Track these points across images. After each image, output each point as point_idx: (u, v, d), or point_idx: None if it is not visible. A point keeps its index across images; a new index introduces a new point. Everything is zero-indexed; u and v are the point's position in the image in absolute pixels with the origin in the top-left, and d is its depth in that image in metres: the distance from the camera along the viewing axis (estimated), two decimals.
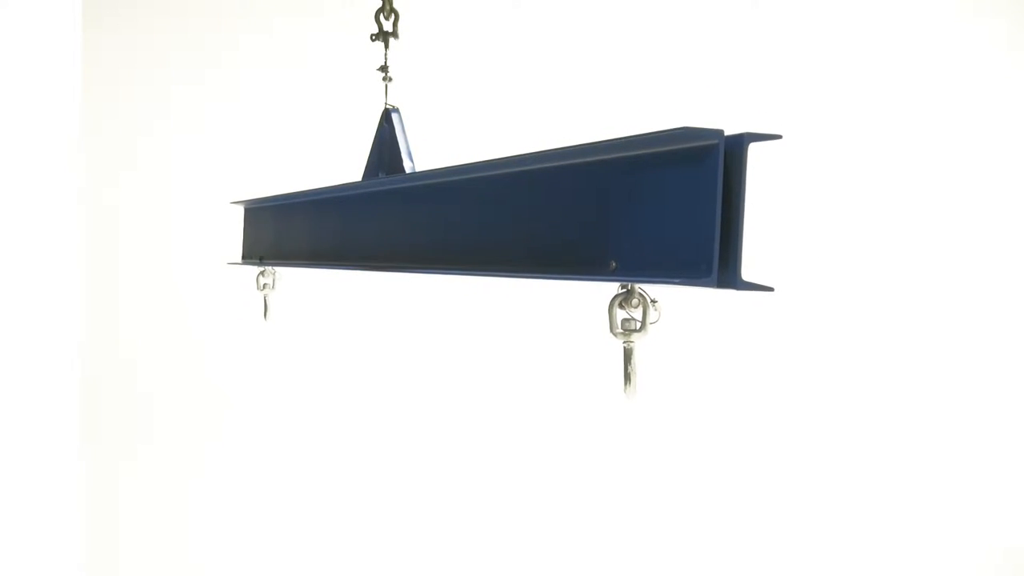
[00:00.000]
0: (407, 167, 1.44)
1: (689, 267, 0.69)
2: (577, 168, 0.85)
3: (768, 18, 2.80)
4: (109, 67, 2.54)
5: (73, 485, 2.32)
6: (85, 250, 2.49)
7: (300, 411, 2.71)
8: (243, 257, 1.85)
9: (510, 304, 2.70)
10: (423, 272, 1.15)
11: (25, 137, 2.01)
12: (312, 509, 2.70)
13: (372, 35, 1.50)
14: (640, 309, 0.78)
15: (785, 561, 2.82)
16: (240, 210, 1.89)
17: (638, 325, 0.78)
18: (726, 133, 0.68)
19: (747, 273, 0.68)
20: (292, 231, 1.60)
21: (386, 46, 1.52)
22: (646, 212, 0.75)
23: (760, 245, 2.66)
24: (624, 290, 0.78)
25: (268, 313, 1.79)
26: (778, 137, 0.67)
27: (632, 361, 0.80)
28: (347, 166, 1.76)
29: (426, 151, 1.51)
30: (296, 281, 2.18)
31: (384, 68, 1.53)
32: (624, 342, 0.80)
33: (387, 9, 1.50)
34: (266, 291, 1.78)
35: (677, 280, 0.69)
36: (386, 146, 1.48)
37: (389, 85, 1.53)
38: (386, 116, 1.50)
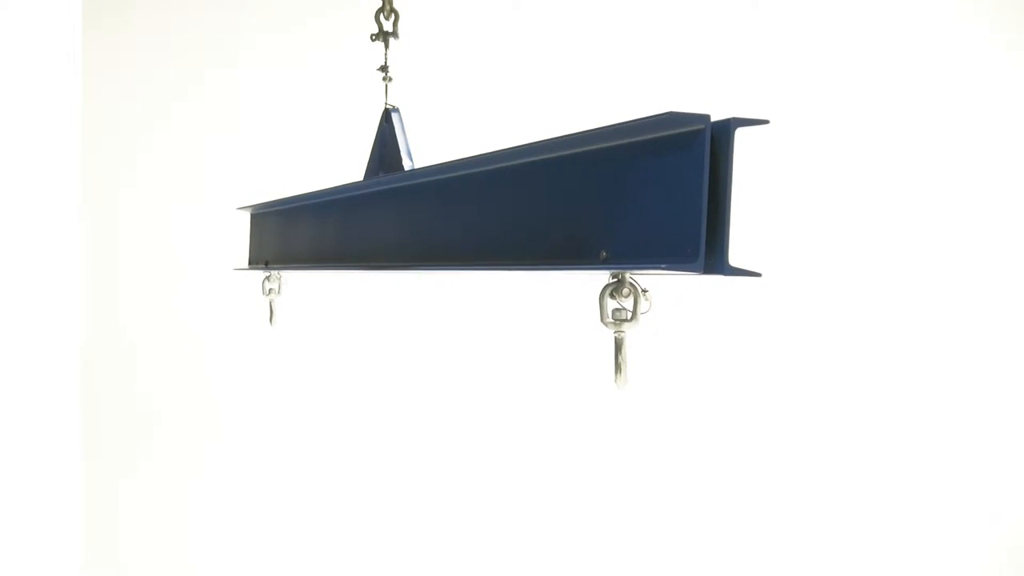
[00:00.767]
0: (406, 167, 1.44)
1: (676, 253, 0.69)
2: (566, 159, 0.85)
3: (768, 18, 2.79)
4: (109, 67, 2.54)
5: (73, 486, 2.32)
6: (86, 251, 2.49)
7: (303, 415, 2.71)
8: (249, 262, 1.84)
9: (505, 298, 2.70)
10: (417, 270, 1.15)
11: (25, 138, 2.01)
12: (312, 511, 2.70)
13: (372, 35, 1.50)
14: (631, 299, 0.78)
15: (784, 560, 2.82)
16: (242, 213, 1.89)
17: (629, 315, 0.78)
18: (712, 119, 0.68)
19: (735, 259, 0.68)
20: (296, 235, 1.61)
21: (386, 46, 1.51)
22: (635, 200, 0.75)
23: (750, 231, 2.66)
24: (615, 280, 0.78)
25: (274, 318, 1.78)
26: (765, 122, 0.67)
27: (623, 351, 0.80)
28: (348, 166, 1.75)
29: (426, 151, 1.51)
30: (302, 285, 2.18)
31: (384, 68, 1.53)
32: (615, 332, 0.79)
33: (387, 9, 1.49)
34: (271, 296, 1.77)
35: (664, 266, 0.69)
36: (387, 146, 1.48)
37: (389, 85, 1.52)
38: (386, 116, 1.50)
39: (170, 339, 2.62)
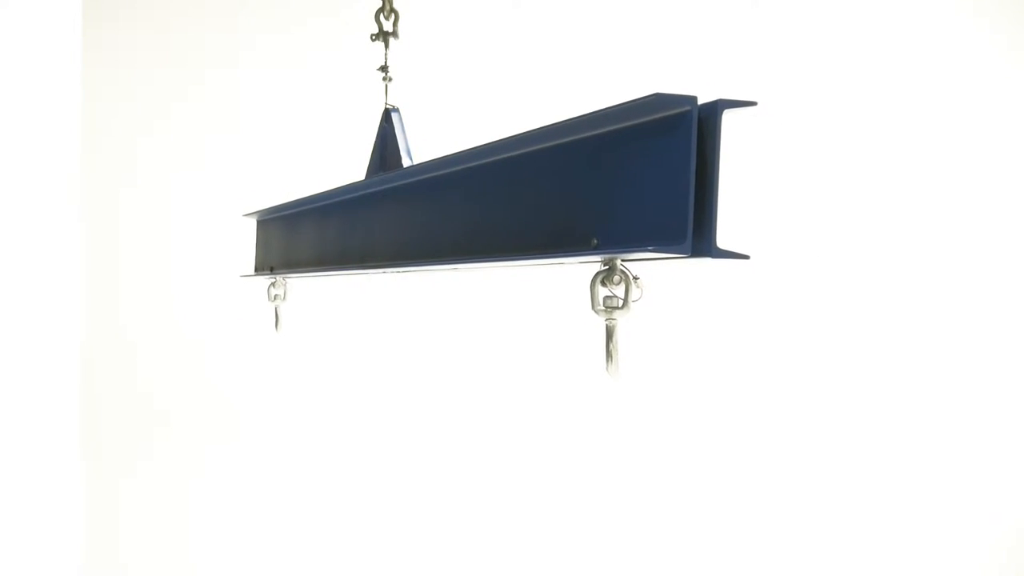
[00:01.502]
0: (406, 167, 1.44)
1: (663, 236, 0.69)
2: (555, 149, 0.85)
3: (768, 17, 2.80)
4: (109, 67, 2.54)
5: (73, 486, 2.32)
6: (85, 251, 2.49)
7: (303, 416, 2.71)
8: (256, 268, 1.84)
9: (503, 290, 2.70)
10: (412, 268, 1.15)
11: (25, 138, 2.01)
12: (313, 512, 2.70)
13: (372, 35, 1.50)
14: (622, 286, 0.78)
15: (782, 560, 2.82)
16: (244, 216, 1.89)
17: (620, 303, 0.78)
18: (700, 101, 0.68)
19: (723, 241, 0.68)
20: (299, 239, 1.61)
21: (386, 46, 1.51)
22: (624, 186, 0.75)
23: (741, 215, 2.66)
24: (606, 267, 0.78)
25: (280, 324, 1.78)
26: (753, 104, 0.67)
27: (614, 339, 0.80)
28: (348, 167, 1.75)
29: (427, 151, 1.51)
30: (307, 289, 2.18)
31: (384, 68, 1.53)
32: (606, 320, 0.79)
33: (387, 9, 1.49)
34: (277, 302, 1.76)
35: (651, 248, 0.69)
36: (387, 146, 1.49)
37: (389, 85, 1.52)
38: (386, 116, 1.50)
39: (170, 339, 2.62)
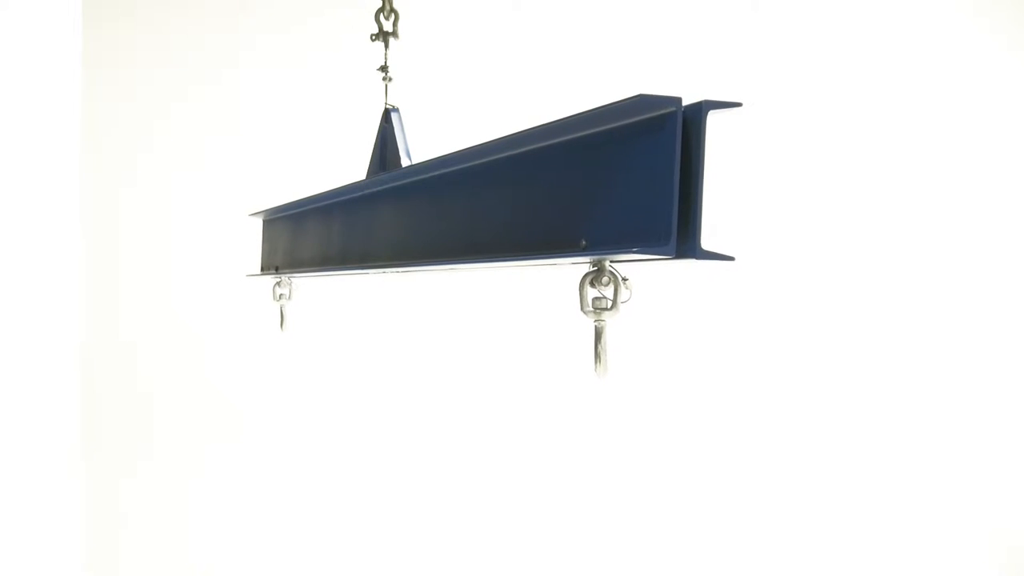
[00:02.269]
0: (403, 167, 1.45)
1: (648, 237, 0.69)
2: (545, 150, 0.85)
3: (769, 18, 2.80)
4: (109, 67, 2.54)
5: (73, 486, 2.32)
6: (85, 251, 2.49)
7: (303, 416, 2.71)
8: (261, 268, 1.85)
9: (498, 290, 2.70)
10: (409, 268, 1.16)
11: (25, 138, 2.01)
12: (313, 511, 2.70)
13: (372, 35, 1.50)
14: (611, 287, 0.78)
15: (781, 560, 2.82)
16: (244, 216, 1.89)
17: (609, 304, 0.78)
18: (684, 102, 0.68)
19: (708, 243, 0.68)
20: (302, 239, 1.61)
21: (386, 46, 1.51)
22: (612, 187, 0.75)
23: (732, 217, 2.65)
24: (594, 268, 0.78)
25: (285, 324, 1.78)
26: (738, 105, 0.66)
27: (602, 340, 0.80)
28: (348, 167, 1.75)
29: (427, 151, 1.51)
30: (309, 289, 2.18)
31: (384, 68, 1.53)
32: (595, 321, 0.79)
33: (387, 9, 1.49)
34: (282, 301, 1.76)
35: (636, 250, 0.69)
36: (388, 146, 1.49)
37: (389, 85, 1.52)
38: (386, 116, 1.50)
39: (170, 339, 2.62)
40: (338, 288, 2.60)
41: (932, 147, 2.85)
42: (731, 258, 0.67)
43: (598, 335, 0.80)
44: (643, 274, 0.82)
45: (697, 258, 0.68)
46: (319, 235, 1.52)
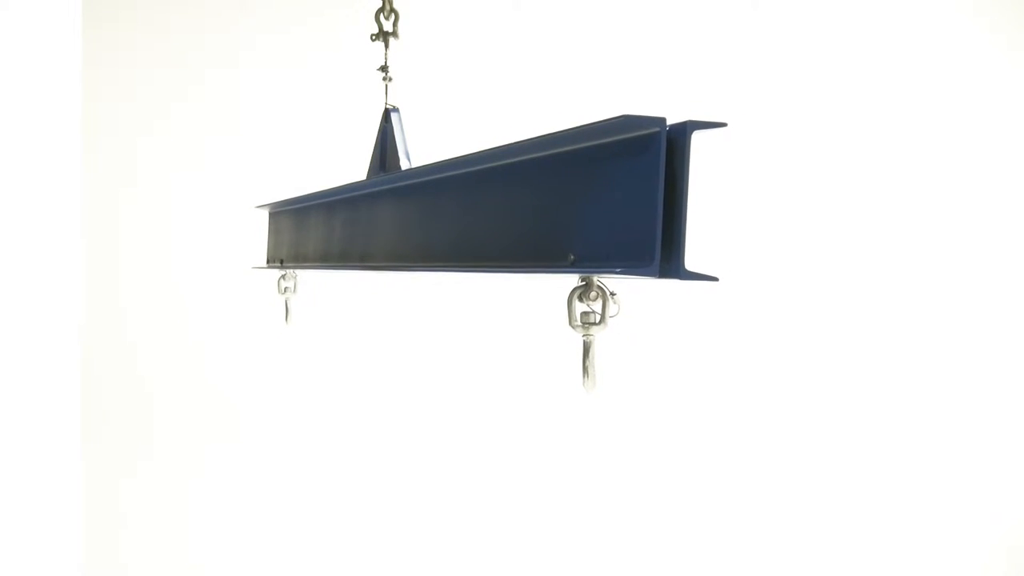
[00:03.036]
0: (404, 167, 1.45)
1: (632, 257, 0.69)
2: (535, 162, 0.86)
3: (768, 18, 2.79)
4: (109, 67, 2.54)
5: (73, 486, 2.32)
6: (86, 251, 2.49)
7: (302, 415, 2.71)
8: (267, 260, 1.86)
9: (491, 297, 2.70)
10: (406, 271, 1.16)
11: (25, 138, 2.01)
12: (313, 511, 2.70)
13: (372, 35, 1.50)
14: (599, 302, 0.77)
15: (781, 561, 2.82)
16: (245, 214, 1.89)
17: (597, 318, 0.78)
18: (669, 122, 0.68)
19: (692, 263, 0.68)
20: (306, 233, 1.62)
21: (386, 46, 1.52)
22: (599, 204, 0.75)
23: (721, 236, 2.65)
24: (583, 283, 0.78)
25: (289, 317, 1.79)
26: (723, 125, 0.66)
27: (591, 355, 0.80)
28: (348, 167, 1.75)
29: (427, 151, 1.51)
30: (312, 284, 2.18)
31: (384, 68, 1.53)
32: (583, 335, 0.79)
33: (387, 9, 1.49)
34: (287, 295, 1.77)
35: (619, 270, 0.69)
36: (388, 146, 1.49)
37: (389, 85, 1.52)
38: (386, 116, 1.50)
39: (169, 339, 2.62)
40: (340, 283, 2.60)
41: (932, 148, 2.85)
42: (715, 279, 0.66)
43: (586, 350, 0.79)
44: (632, 288, 0.82)
45: (681, 279, 0.67)
46: (322, 231, 1.53)
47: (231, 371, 2.67)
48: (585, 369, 0.80)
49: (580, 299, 0.78)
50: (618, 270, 0.69)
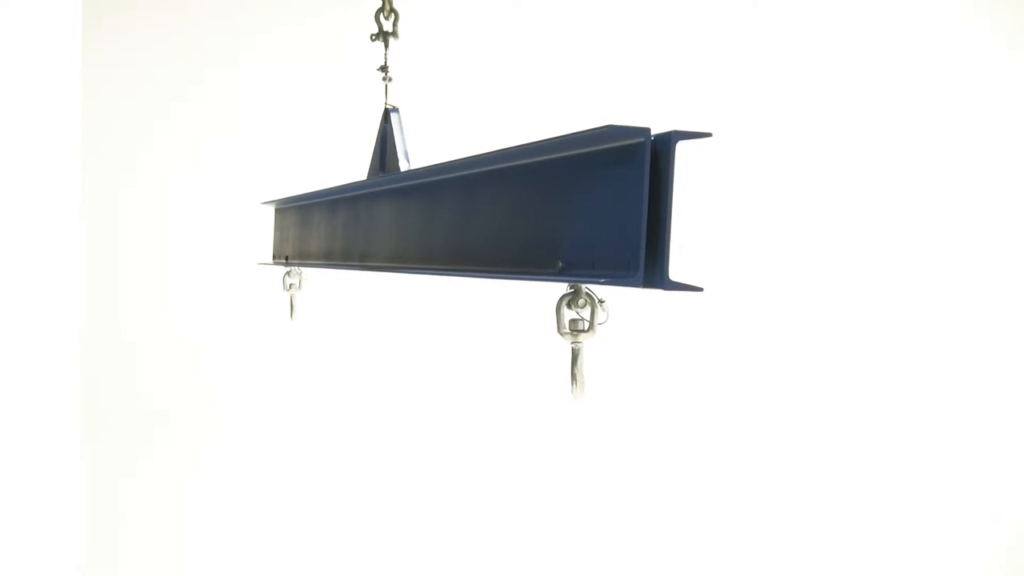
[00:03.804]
0: (403, 168, 1.45)
1: (616, 266, 0.69)
2: (525, 169, 0.86)
3: (768, 18, 2.79)
4: (109, 67, 2.54)
5: (73, 486, 2.32)
6: (86, 251, 2.49)
7: (301, 415, 2.71)
8: (273, 257, 1.87)
9: (485, 301, 2.70)
10: (397, 271, 1.17)
11: (25, 138, 2.01)
12: (312, 511, 2.70)
13: (372, 35, 1.50)
14: (588, 309, 0.77)
15: (781, 561, 2.82)
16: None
17: (586, 325, 0.77)
18: (654, 132, 0.67)
19: (677, 273, 0.68)
20: (310, 231, 1.63)
21: (386, 46, 1.52)
22: (586, 212, 0.75)
23: (708, 247, 2.65)
24: (571, 290, 0.78)
25: (294, 313, 1.80)
26: (708, 135, 0.66)
27: (579, 362, 0.79)
28: (348, 167, 1.75)
29: (427, 151, 1.51)
30: (316, 281, 2.19)
31: (384, 68, 1.53)
32: (572, 343, 0.79)
33: (387, 9, 1.49)
34: (292, 291, 1.78)
35: (603, 280, 0.69)
36: (388, 146, 1.49)
37: (389, 85, 1.52)
38: (386, 116, 1.50)
39: (169, 339, 2.62)
40: (344, 281, 2.60)
41: (932, 148, 2.84)
42: (699, 289, 0.66)
43: (575, 357, 0.79)
44: (620, 296, 0.82)
45: (665, 289, 0.67)
46: (324, 229, 1.54)
47: (231, 369, 2.67)
48: (573, 376, 0.79)
49: (569, 306, 0.78)
50: (602, 280, 0.69)
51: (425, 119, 1.79)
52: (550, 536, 2.77)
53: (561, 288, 0.78)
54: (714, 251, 2.68)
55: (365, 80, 1.74)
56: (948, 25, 2.85)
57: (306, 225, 1.66)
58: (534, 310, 2.69)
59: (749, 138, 2.75)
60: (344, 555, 2.71)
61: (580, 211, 0.76)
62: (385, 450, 2.74)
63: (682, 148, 0.67)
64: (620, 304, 0.83)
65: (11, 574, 1.97)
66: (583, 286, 0.77)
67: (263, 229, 2.04)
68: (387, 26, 1.50)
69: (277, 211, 1.88)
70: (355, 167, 1.65)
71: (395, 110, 1.51)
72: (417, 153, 1.49)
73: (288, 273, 1.78)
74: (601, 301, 0.77)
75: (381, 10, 1.49)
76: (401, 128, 1.50)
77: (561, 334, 0.78)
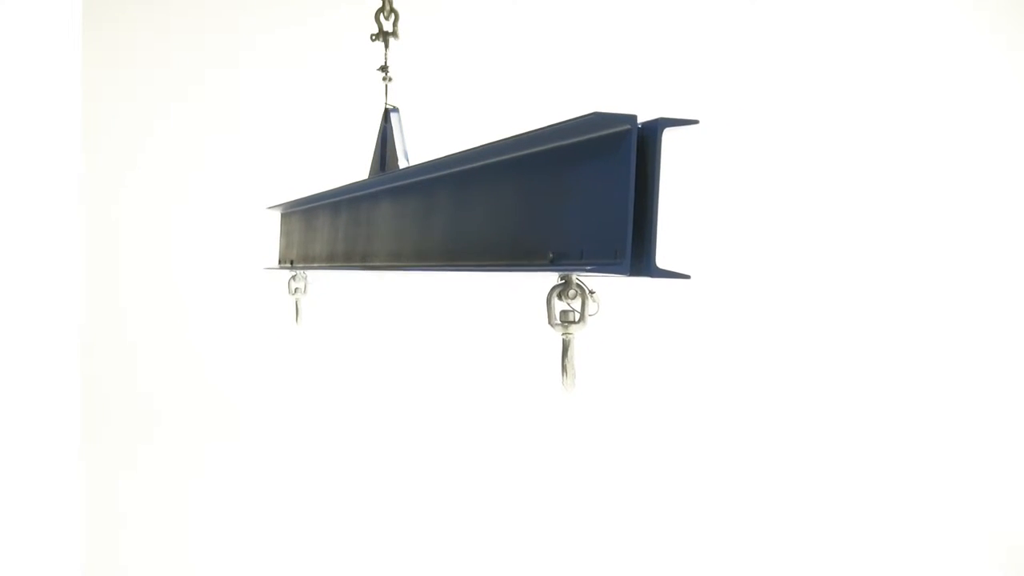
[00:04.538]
0: (402, 167, 1.45)
1: (603, 255, 0.69)
2: (515, 162, 0.86)
3: (767, 17, 2.80)
4: (109, 67, 2.54)
5: (73, 486, 2.32)
6: (86, 251, 2.49)
7: (301, 416, 2.71)
8: (279, 262, 1.87)
9: (482, 296, 2.69)
10: (396, 270, 1.17)
11: (25, 138, 2.01)
12: (313, 511, 2.70)
13: (372, 35, 1.50)
14: (579, 300, 0.77)
15: (781, 561, 2.82)
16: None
17: (577, 316, 0.77)
18: (640, 120, 0.67)
19: (664, 261, 0.67)
20: (314, 234, 1.63)
21: (386, 46, 1.52)
22: (575, 202, 0.75)
23: (697, 235, 2.63)
24: (562, 281, 0.78)
25: (300, 317, 1.80)
26: (694, 122, 0.65)
27: (569, 353, 0.79)
28: (348, 167, 1.75)
29: (426, 151, 1.51)
30: (320, 284, 2.19)
31: (384, 68, 1.53)
32: (562, 334, 0.79)
33: (387, 9, 1.49)
34: (297, 295, 1.78)
35: (590, 268, 0.69)
36: (388, 146, 1.49)
37: (389, 85, 1.52)
38: (386, 116, 1.50)
39: (170, 339, 2.62)
40: (347, 283, 2.60)
41: (931, 148, 2.84)
42: (687, 276, 0.66)
43: (565, 348, 0.79)
44: (611, 287, 0.82)
45: (652, 276, 0.67)
46: (327, 232, 1.54)
47: (230, 369, 2.67)
48: (564, 368, 0.79)
49: (559, 298, 0.77)
50: (589, 268, 0.69)
51: (425, 119, 1.79)
52: (544, 526, 2.77)
53: (554, 280, 0.78)
54: (703, 240, 2.67)
55: (365, 80, 1.74)
56: (948, 25, 2.85)
57: (310, 228, 1.66)
58: (534, 306, 2.69)
59: (741, 129, 2.75)
60: (344, 555, 2.71)
61: (570, 202, 0.76)
62: (384, 448, 2.74)
63: (671, 137, 0.66)
64: (612, 296, 0.83)
65: (11, 574, 1.97)
66: (574, 277, 0.76)
67: (263, 229, 2.04)
68: (387, 26, 1.50)
69: (283, 216, 1.88)
70: (355, 167, 1.65)
71: (395, 110, 1.51)
72: (417, 153, 1.49)
73: (293, 277, 1.77)
74: (592, 292, 0.77)
75: (381, 10, 1.49)
76: (401, 128, 1.50)
77: (552, 325, 0.78)
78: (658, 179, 0.66)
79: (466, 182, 0.98)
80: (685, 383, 2.79)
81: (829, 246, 2.81)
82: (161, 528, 2.62)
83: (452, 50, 2.70)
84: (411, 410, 2.74)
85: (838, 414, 2.82)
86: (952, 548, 2.84)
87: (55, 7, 2.09)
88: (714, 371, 2.79)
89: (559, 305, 0.78)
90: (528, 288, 2.66)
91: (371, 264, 1.28)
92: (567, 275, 0.76)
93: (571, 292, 0.77)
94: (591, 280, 0.77)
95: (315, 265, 1.60)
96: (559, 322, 0.78)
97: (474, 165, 0.95)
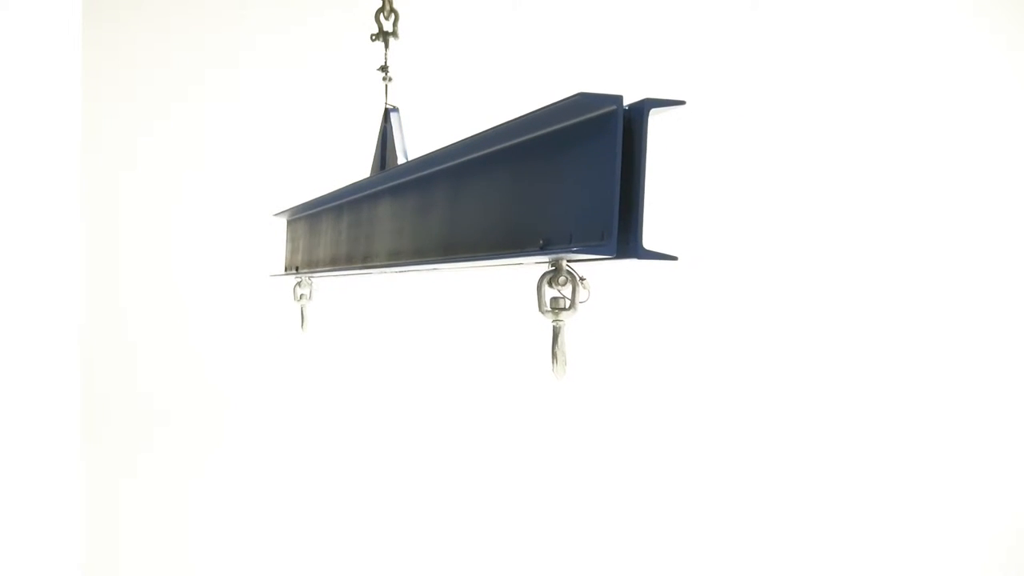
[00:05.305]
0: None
1: (590, 237, 0.69)
2: (503, 151, 0.87)
3: (768, 16, 2.80)
4: (109, 67, 2.54)
5: (73, 486, 2.32)
6: (86, 251, 2.49)
7: (302, 416, 2.71)
8: (285, 268, 1.87)
9: (489, 292, 2.69)
10: (396, 269, 1.18)
11: (25, 138, 2.01)
12: (313, 511, 2.70)
13: (372, 35, 1.50)
14: (569, 287, 0.77)
15: (781, 561, 2.82)
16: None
17: (567, 303, 0.77)
18: (626, 101, 0.67)
19: (651, 242, 0.67)
20: (317, 239, 1.64)
21: (386, 46, 1.52)
22: (562, 187, 0.75)
23: (687, 218, 2.62)
24: (552, 268, 0.78)
25: (306, 324, 1.79)
26: (681, 103, 0.65)
27: (560, 340, 0.79)
28: (348, 167, 1.75)
29: (427, 151, 1.51)
30: (324, 289, 2.19)
31: (384, 68, 1.53)
32: (553, 321, 0.78)
33: (387, 9, 1.49)
34: (303, 302, 1.77)
35: (575, 250, 0.69)
36: (388, 147, 1.49)
37: (389, 85, 1.53)
38: (386, 116, 1.51)
39: (170, 339, 2.62)
40: (351, 286, 2.60)
41: (931, 148, 2.85)
42: (674, 258, 0.66)
43: (556, 335, 0.79)
44: (603, 273, 0.82)
45: (639, 258, 0.67)
46: (331, 236, 1.54)
47: (231, 369, 2.67)
48: (555, 355, 0.79)
49: (549, 284, 0.77)
50: (574, 249, 0.69)
51: (425, 119, 1.79)
52: (539, 518, 2.77)
53: (544, 267, 0.79)
54: (692, 222, 2.67)
55: (365, 80, 1.74)
56: (948, 25, 2.85)
57: (314, 233, 1.66)
58: (522, 296, 2.68)
59: (733, 114, 2.76)
60: (344, 555, 2.71)
61: (559, 187, 0.76)
62: (383, 448, 2.74)
63: (659, 120, 0.66)
64: (602, 282, 0.83)
65: (11, 574, 1.97)
66: (563, 264, 0.76)
67: (263, 229, 2.05)
68: (387, 26, 1.50)
69: (289, 223, 1.88)
70: (356, 167, 1.65)
71: (395, 110, 1.51)
72: (417, 153, 1.49)
73: (299, 283, 1.77)
74: (582, 279, 0.77)
75: (381, 10, 1.50)
76: (401, 128, 1.50)
77: (542, 312, 0.78)
78: (645, 161, 0.66)
79: (461, 175, 0.98)
80: (676, 369, 2.79)
81: (819, 230, 2.81)
82: (161, 530, 2.62)
83: (452, 50, 2.71)
84: (414, 414, 2.74)
85: (834, 407, 2.83)
86: (952, 548, 2.85)
87: (55, 7, 2.09)
88: (704, 356, 2.79)
89: (549, 292, 0.78)
90: (527, 284, 2.65)
91: (372, 264, 1.29)
92: (557, 261, 0.77)
93: (561, 279, 0.77)
94: (581, 266, 0.77)
95: (319, 270, 1.60)
96: (549, 309, 0.78)
97: (467, 158, 0.95)
